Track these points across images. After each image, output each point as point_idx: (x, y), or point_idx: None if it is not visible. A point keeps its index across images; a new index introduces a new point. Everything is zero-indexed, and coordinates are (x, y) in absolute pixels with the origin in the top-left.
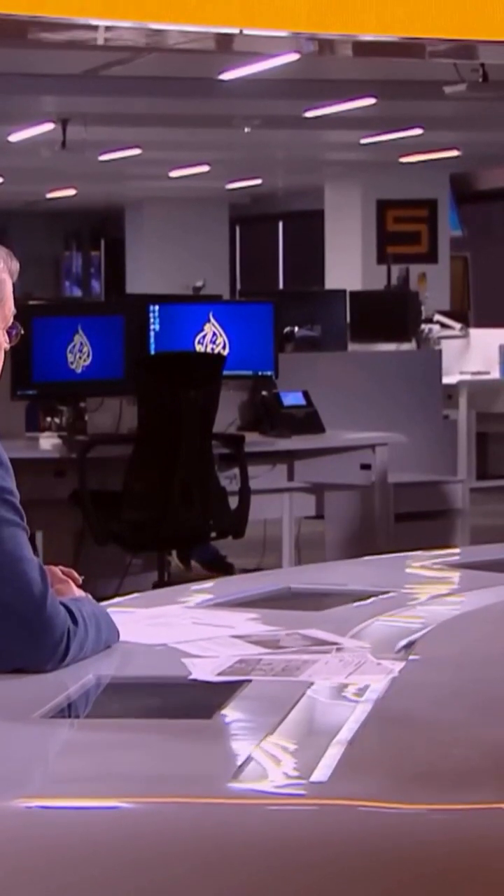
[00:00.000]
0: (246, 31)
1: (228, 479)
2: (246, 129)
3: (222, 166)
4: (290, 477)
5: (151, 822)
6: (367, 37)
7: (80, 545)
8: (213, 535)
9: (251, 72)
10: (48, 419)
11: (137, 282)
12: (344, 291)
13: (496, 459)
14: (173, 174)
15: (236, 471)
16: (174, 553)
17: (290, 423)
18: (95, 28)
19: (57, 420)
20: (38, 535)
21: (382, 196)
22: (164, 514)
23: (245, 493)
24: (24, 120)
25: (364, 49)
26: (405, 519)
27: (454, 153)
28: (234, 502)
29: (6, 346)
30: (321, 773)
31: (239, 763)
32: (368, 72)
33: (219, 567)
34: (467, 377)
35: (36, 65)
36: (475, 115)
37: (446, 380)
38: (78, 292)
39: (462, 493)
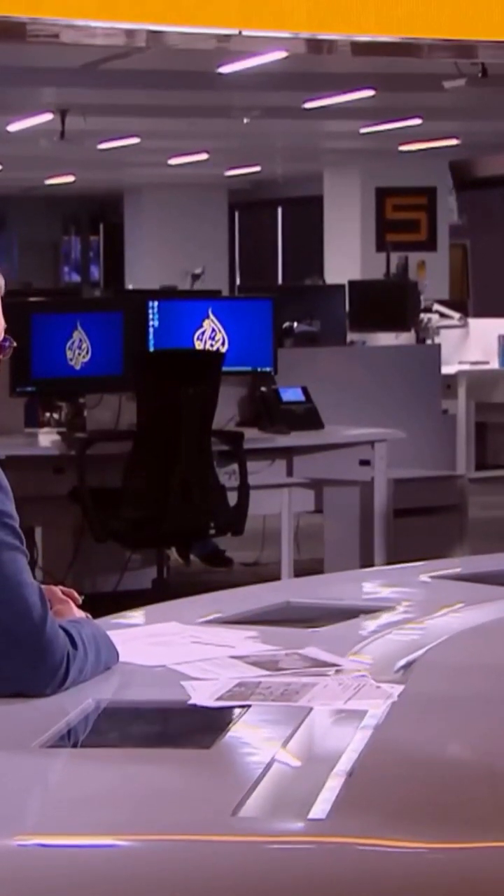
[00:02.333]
0: (245, 33)
1: (227, 475)
2: (245, 120)
3: (221, 154)
4: (290, 472)
5: (149, 861)
6: (366, 37)
7: (80, 541)
8: (213, 531)
9: (250, 65)
10: (47, 414)
11: (136, 267)
12: (343, 286)
13: (495, 449)
14: (172, 161)
15: (235, 466)
16: (173, 548)
17: (289, 419)
18: (94, 29)
19: (56, 416)
20: (38, 532)
21: (381, 184)
22: (163, 512)
23: (244, 490)
24: (23, 110)
25: (363, 49)
26: (404, 514)
27: (453, 142)
28: (232, 498)
29: None
30: (320, 807)
31: (238, 798)
32: (368, 65)
33: (218, 561)
34: (466, 367)
35: (34, 58)
36: (474, 106)
37: (445, 370)
38: (77, 278)
39: (461, 488)
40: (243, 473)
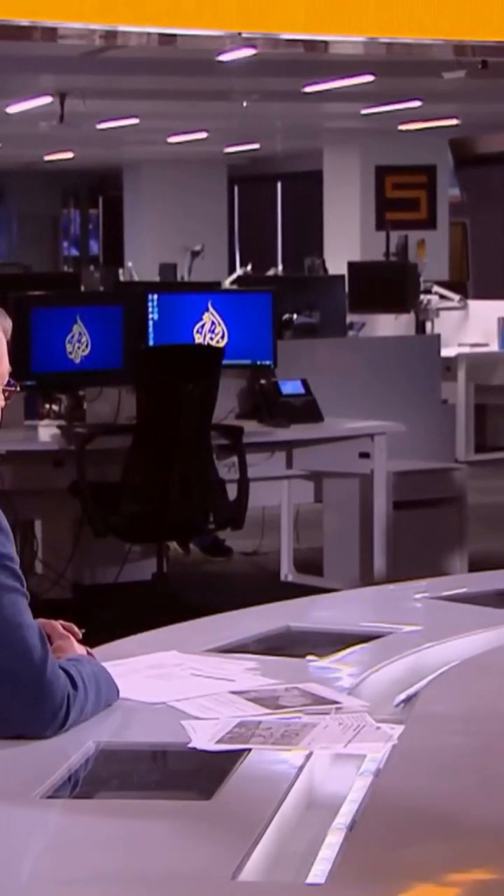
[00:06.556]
0: (245, 34)
1: (227, 468)
2: (244, 104)
3: (220, 133)
4: (289, 465)
5: None
6: (365, 38)
7: (79, 533)
8: (212, 526)
9: (249, 53)
10: (46, 406)
11: (135, 242)
12: (342, 277)
13: (494, 432)
14: (171, 140)
15: (235, 459)
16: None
17: (288, 412)
18: (93, 32)
19: (56, 407)
20: (38, 525)
21: (381, 162)
22: (163, 507)
23: (244, 484)
24: (23, 93)
25: (362, 48)
26: (404, 507)
27: (453, 122)
28: (232, 491)
29: (1, 403)
30: (319, 868)
31: (238, 859)
32: (367, 52)
33: (218, 551)
34: (466, 350)
35: (34, 47)
36: (473, 91)
37: (445, 352)
38: (75, 252)
39: (461, 480)
40: (243, 468)
